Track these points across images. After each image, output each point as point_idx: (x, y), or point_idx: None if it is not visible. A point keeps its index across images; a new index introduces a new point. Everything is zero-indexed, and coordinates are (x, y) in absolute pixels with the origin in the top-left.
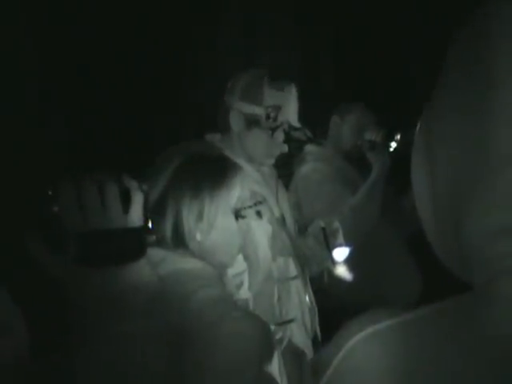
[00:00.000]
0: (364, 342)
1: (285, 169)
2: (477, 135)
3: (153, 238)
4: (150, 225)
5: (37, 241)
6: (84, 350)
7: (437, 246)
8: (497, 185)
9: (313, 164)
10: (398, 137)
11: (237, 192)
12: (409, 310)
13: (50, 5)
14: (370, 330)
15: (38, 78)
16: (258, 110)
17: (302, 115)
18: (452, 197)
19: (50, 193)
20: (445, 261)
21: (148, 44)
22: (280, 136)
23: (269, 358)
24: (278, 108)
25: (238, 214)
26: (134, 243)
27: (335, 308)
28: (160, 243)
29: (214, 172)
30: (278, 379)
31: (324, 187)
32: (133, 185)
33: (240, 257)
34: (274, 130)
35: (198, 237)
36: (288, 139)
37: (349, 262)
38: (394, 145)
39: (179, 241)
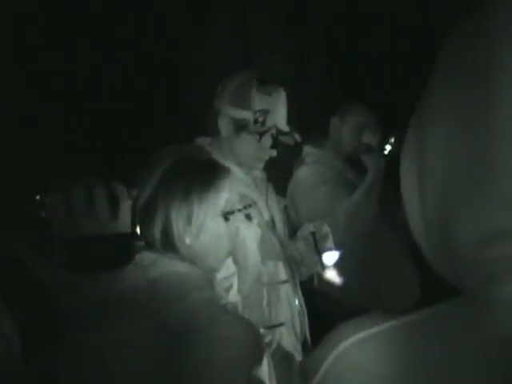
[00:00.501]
0: (354, 346)
1: (282, 171)
2: (469, 137)
3: (141, 243)
4: (137, 231)
5: (25, 246)
6: (72, 355)
7: (426, 249)
8: (489, 187)
9: (312, 166)
10: (393, 140)
11: (225, 195)
12: (400, 315)
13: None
14: (360, 334)
15: (29, 76)
16: (246, 115)
17: (296, 117)
18: (442, 199)
19: (38, 198)
20: (433, 263)
21: (142, 45)
22: (268, 141)
23: (258, 361)
24: (265, 112)
25: (226, 217)
26: (122, 249)
27: (329, 312)
28: (149, 247)
29: (202, 175)
30: (268, 383)
31: (323, 189)
32: (121, 191)
33: (229, 260)
34: (261, 134)
35: (187, 240)
36: (276, 144)
37: (345, 264)
38: (388, 148)
39: (168, 244)
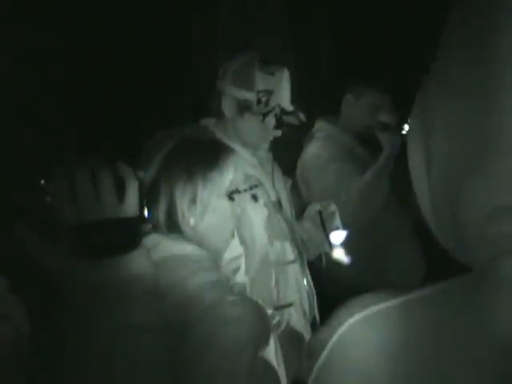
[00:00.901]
0: (359, 324)
1: (288, 151)
2: (477, 112)
3: (149, 226)
4: (145, 213)
5: (29, 232)
6: (81, 341)
7: (434, 228)
8: (499, 162)
9: (323, 141)
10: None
11: (230, 175)
12: (405, 292)
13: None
14: (365, 311)
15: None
16: (249, 95)
17: (298, 98)
18: (449, 174)
19: (42, 183)
20: (442, 242)
21: (144, 30)
22: (271, 121)
23: (265, 342)
24: (269, 92)
25: (231, 197)
26: (130, 233)
27: (338, 292)
28: (154, 228)
29: (206, 155)
30: (275, 363)
31: (333, 165)
32: (127, 172)
33: (236, 241)
34: (265, 114)
35: (192, 220)
36: (279, 124)
37: (352, 244)
38: (407, 127)
39: (172, 225)
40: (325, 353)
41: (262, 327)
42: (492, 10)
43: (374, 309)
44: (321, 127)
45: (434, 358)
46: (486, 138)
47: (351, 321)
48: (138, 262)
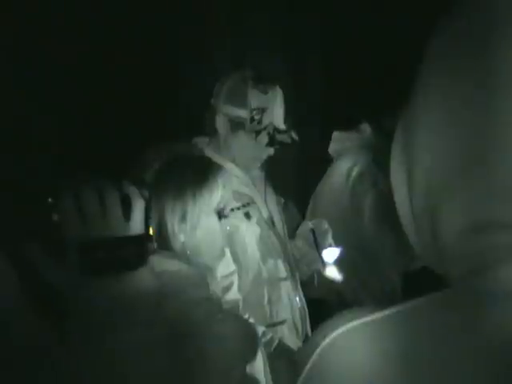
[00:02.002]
0: (341, 337)
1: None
2: (458, 126)
3: (154, 245)
4: (151, 231)
5: (36, 249)
6: (86, 356)
7: (414, 240)
8: (480, 177)
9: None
10: None
11: (219, 192)
12: (387, 307)
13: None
14: (348, 325)
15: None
16: (243, 113)
17: (290, 117)
18: (430, 187)
19: (49, 200)
20: (422, 255)
21: (140, 45)
22: (264, 139)
23: (253, 358)
24: (262, 110)
25: (221, 214)
26: (136, 251)
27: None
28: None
29: (195, 173)
30: (263, 380)
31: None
32: (133, 191)
33: (229, 258)
34: (258, 132)
35: (182, 237)
36: (272, 142)
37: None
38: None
39: (162, 242)
40: (308, 366)
41: (250, 344)
42: (481, 24)
43: (356, 323)
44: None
45: (415, 372)
46: (469, 153)
47: (333, 335)
48: (144, 280)
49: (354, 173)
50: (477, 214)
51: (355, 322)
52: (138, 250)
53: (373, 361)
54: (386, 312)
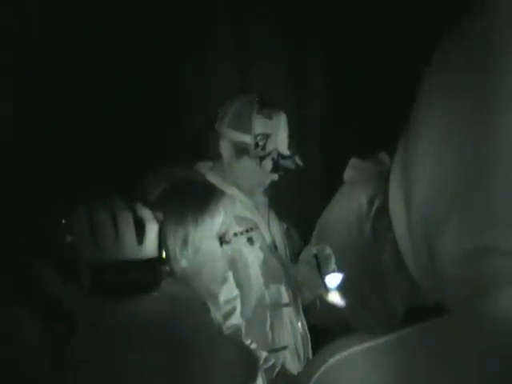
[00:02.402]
0: (335, 367)
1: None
2: (457, 151)
3: (167, 268)
4: (164, 255)
5: (49, 271)
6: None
7: (411, 264)
8: (476, 203)
9: None
10: None
11: (221, 217)
12: (384, 333)
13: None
14: (341, 354)
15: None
16: (247, 138)
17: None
18: (427, 213)
19: (63, 222)
20: (418, 279)
21: (142, 70)
22: (268, 164)
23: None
24: (266, 136)
25: (222, 240)
26: (149, 275)
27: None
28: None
29: (197, 198)
30: None
31: None
32: (147, 214)
33: (232, 283)
34: (262, 158)
35: (184, 263)
36: (276, 168)
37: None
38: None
39: None
40: None
41: (249, 370)
42: (481, 37)
43: (353, 350)
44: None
45: None
46: (468, 175)
47: (332, 360)
48: (156, 303)
49: (375, 206)
50: (476, 240)
51: (355, 348)
52: (150, 273)
53: None
54: (386, 338)
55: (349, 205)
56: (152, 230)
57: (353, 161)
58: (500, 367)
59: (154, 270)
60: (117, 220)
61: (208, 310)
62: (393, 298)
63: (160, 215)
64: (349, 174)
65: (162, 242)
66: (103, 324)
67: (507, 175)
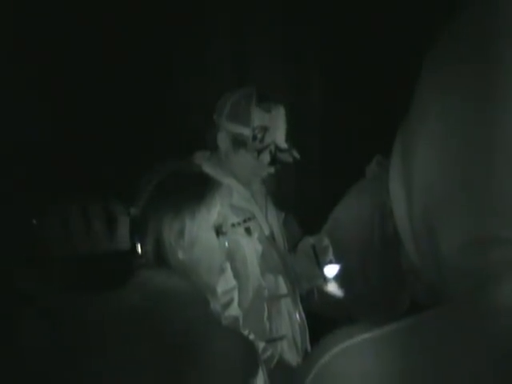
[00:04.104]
0: (336, 357)
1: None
2: (455, 143)
3: (141, 261)
4: (138, 248)
5: (22, 269)
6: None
7: (414, 256)
8: (476, 193)
9: None
10: None
11: (217, 208)
12: (384, 324)
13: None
14: (342, 345)
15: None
16: (245, 131)
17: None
18: (428, 205)
19: (34, 220)
20: (422, 271)
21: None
22: (266, 157)
23: (253, 377)
24: (264, 129)
25: (219, 231)
26: (121, 267)
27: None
28: (144, 263)
29: (193, 189)
30: None
31: None
32: (119, 209)
33: (230, 274)
34: (260, 151)
35: (180, 254)
36: (274, 161)
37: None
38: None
39: (161, 259)
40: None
41: (250, 362)
42: (478, 36)
43: (353, 341)
44: None
45: None
46: (469, 167)
47: (332, 352)
48: (130, 295)
49: None
50: (477, 229)
51: (354, 339)
52: (122, 266)
53: (371, 378)
54: (386, 328)
55: (369, 201)
56: (124, 224)
57: (378, 157)
58: (501, 357)
59: (126, 262)
60: (88, 215)
61: (206, 302)
62: (398, 290)
63: (134, 210)
64: (372, 169)
65: (134, 236)
66: (77, 317)
67: (507, 163)
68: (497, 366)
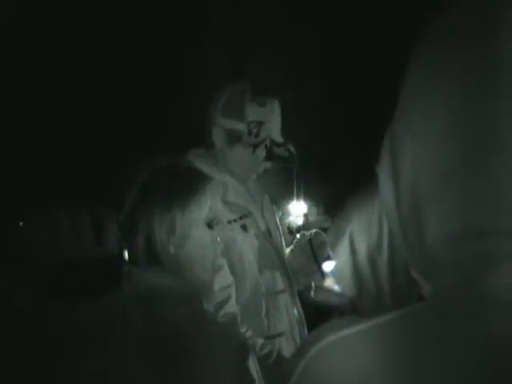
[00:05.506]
0: (325, 350)
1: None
2: (441, 136)
3: (128, 267)
4: (125, 254)
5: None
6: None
7: (402, 248)
8: (460, 185)
9: None
10: None
11: (208, 203)
12: (373, 317)
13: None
14: (332, 337)
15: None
16: (240, 126)
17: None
18: (414, 197)
19: (21, 224)
20: (410, 263)
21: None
22: (262, 152)
23: (245, 375)
24: (260, 124)
25: (210, 225)
26: (108, 274)
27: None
28: (133, 261)
29: (183, 184)
30: None
31: None
32: (106, 215)
33: (227, 270)
34: (255, 146)
35: (172, 250)
36: (269, 155)
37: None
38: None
39: (152, 256)
40: (295, 375)
41: (241, 360)
42: (470, 28)
43: (341, 334)
44: None
45: (405, 381)
46: (456, 158)
47: (318, 346)
48: (118, 302)
49: None
50: (463, 219)
51: (342, 333)
52: (109, 272)
53: (361, 370)
54: (376, 321)
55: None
56: (110, 231)
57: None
58: (490, 348)
59: (114, 268)
60: (75, 221)
61: (200, 299)
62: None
63: (120, 216)
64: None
65: (120, 242)
66: (64, 324)
67: (493, 156)
68: (485, 357)
